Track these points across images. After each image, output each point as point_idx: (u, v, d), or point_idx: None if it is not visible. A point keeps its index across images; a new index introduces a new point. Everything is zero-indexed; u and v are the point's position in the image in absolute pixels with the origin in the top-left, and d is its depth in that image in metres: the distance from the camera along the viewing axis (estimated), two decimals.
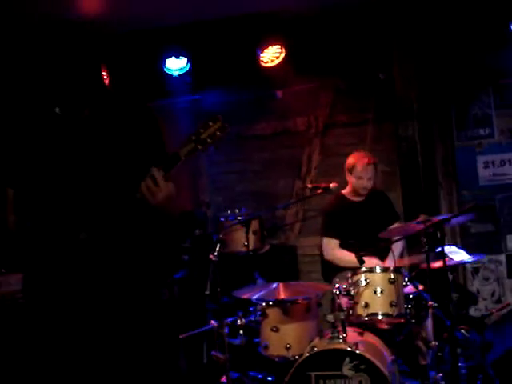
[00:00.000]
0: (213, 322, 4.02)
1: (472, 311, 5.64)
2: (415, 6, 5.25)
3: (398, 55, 5.53)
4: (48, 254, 2.33)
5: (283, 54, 5.48)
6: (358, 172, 4.67)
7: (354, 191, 4.76)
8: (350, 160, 4.76)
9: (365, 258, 3.88)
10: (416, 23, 5.38)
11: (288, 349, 3.80)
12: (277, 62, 5.51)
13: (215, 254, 4.05)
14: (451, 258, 3.94)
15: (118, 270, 2.36)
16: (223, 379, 4.01)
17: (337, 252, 4.65)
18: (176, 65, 5.64)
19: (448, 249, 3.97)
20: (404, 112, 5.59)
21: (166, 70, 5.64)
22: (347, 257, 4.48)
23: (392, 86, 5.60)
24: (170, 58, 5.60)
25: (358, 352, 3.41)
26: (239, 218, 4.55)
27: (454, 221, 4.02)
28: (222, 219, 4.68)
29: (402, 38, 5.49)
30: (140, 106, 2.52)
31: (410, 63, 5.53)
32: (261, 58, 5.51)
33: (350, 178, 4.75)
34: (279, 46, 5.47)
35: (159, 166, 2.30)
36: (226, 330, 3.97)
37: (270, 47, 5.48)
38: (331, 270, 4.68)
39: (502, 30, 5.29)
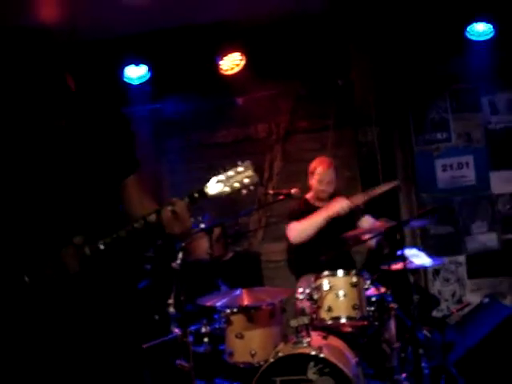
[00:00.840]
0: (176, 330, 3.99)
1: (434, 312, 5.71)
2: (372, 12, 5.34)
3: (356, 61, 5.61)
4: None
5: (243, 62, 5.50)
6: (319, 175, 4.72)
7: (316, 195, 4.80)
8: (312, 164, 4.82)
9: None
10: (373, 29, 5.46)
11: (253, 355, 3.80)
12: (237, 69, 5.53)
13: (178, 262, 4.03)
14: (412, 262, 3.99)
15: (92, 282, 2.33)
16: None
17: (300, 224, 4.60)
18: (136, 73, 5.62)
19: (409, 251, 4.02)
20: (363, 118, 5.67)
21: (125, 78, 5.61)
22: (311, 219, 4.51)
23: (351, 91, 5.67)
24: (130, 67, 5.57)
25: (322, 356, 3.42)
26: (202, 225, 4.53)
27: (415, 224, 4.09)
28: None
29: (359, 44, 5.57)
30: (113, 111, 2.50)
31: (368, 69, 5.61)
32: (220, 66, 5.52)
33: (312, 182, 4.79)
34: (239, 54, 5.49)
35: (185, 199, 2.26)
36: (190, 338, 3.94)
37: (229, 55, 5.49)
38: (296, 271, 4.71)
39: (458, 36, 5.42)
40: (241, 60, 5.51)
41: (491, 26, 5.31)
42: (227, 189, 2.24)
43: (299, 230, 4.59)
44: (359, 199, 4.53)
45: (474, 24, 5.37)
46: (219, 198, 2.25)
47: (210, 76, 5.59)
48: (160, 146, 6.25)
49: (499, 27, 5.29)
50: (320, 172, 4.72)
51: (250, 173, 2.28)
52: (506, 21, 5.22)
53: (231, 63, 5.51)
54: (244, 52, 5.49)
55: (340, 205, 4.42)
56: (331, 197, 4.81)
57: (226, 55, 5.48)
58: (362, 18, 5.37)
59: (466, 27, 5.41)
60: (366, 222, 4.68)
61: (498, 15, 5.25)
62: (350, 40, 5.52)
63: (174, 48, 5.48)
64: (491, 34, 5.36)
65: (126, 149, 2.45)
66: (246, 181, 2.26)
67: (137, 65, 5.58)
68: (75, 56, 5.19)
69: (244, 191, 2.26)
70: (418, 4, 5.27)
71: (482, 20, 5.31)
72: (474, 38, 5.42)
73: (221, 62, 5.50)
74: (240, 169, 2.28)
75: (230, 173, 2.26)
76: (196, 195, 2.27)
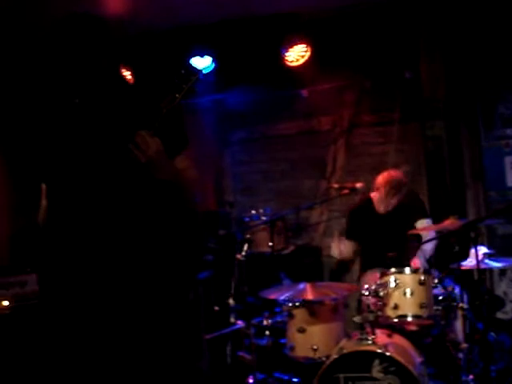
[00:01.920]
0: (239, 322, 4.00)
1: (499, 314, 5.57)
2: (442, 3, 5.19)
3: (425, 54, 5.47)
4: (65, 253, 2.32)
5: (308, 53, 5.44)
6: (382, 193, 4.65)
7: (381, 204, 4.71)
8: (378, 179, 4.70)
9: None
10: (443, 21, 5.33)
11: (314, 350, 3.75)
12: (302, 61, 5.47)
13: (242, 253, 4.03)
14: (484, 261, 3.87)
15: (140, 269, 2.34)
16: (249, 380, 3.98)
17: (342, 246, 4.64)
18: (201, 64, 5.62)
19: (479, 250, 3.90)
20: (430, 111, 5.52)
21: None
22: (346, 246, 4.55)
23: (418, 84, 5.54)
24: (195, 57, 5.59)
25: (387, 354, 3.35)
26: (264, 218, 4.53)
27: (485, 222, 3.97)
28: (247, 219, 4.65)
29: (428, 37, 5.43)
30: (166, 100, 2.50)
31: (437, 62, 5.46)
32: (286, 58, 5.48)
33: (376, 193, 4.71)
34: (304, 46, 5.44)
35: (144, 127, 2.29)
36: (252, 331, 3.94)
37: (295, 46, 5.44)
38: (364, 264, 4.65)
39: None
40: (306, 52, 5.45)
41: None
42: (177, 94, 2.29)
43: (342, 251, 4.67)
44: (427, 229, 4.49)
45: None
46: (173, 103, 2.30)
47: (275, 67, 5.56)
48: (224, 138, 6.28)
49: None
50: (381, 188, 4.63)
51: (190, 70, 2.33)
52: None
53: (296, 55, 5.46)
54: (309, 43, 5.42)
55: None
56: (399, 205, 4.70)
57: (291, 47, 5.44)
58: (432, 8, 5.23)
59: None
60: (421, 224, 4.58)
61: None
62: (419, 31, 5.38)
63: (239, 39, 5.47)
64: None
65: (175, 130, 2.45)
66: (192, 77, 2.31)
67: (202, 56, 5.59)
68: (140, 46, 5.28)
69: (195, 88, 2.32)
70: None
71: None
72: None
73: (286, 54, 5.45)
74: (183, 71, 2.33)
75: (176, 81, 2.31)
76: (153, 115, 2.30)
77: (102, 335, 2.29)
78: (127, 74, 5.51)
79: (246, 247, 4.04)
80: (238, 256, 4.00)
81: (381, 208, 4.70)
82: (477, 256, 3.57)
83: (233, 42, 5.51)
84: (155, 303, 2.37)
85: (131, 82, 5.42)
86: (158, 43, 5.51)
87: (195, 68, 2.41)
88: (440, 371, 3.99)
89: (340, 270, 5.49)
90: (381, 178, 4.69)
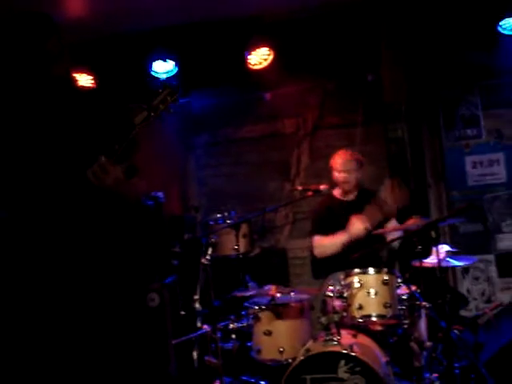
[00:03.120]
0: (205, 326, 3.98)
1: (462, 311, 5.64)
2: (404, 7, 5.25)
3: (387, 57, 5.51)
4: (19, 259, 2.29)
5: (271, 56, 5.45)
6: (337, 165, 4.72)
7: (342, 190, 4.76)
8: (332, 158, 4.82)
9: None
10: (404, 25, 5.38)
11: (281, 352, 3.78)
12: (265, 64, 5.47)
13: (207, 257, 4.01)
14: (446, 260, 3.92)
15: (99, 275, 2.33)
16: None
17: (324, 240, 4.63)
18: (163, 68, 5.59)
19: (441, 248, 3.95)
20: (393, 113, 5.59)
21: (153, 72, 5.59)
22: (334, 239, 4.53)
23: (380, 87, 5.60)
24: (157, 61, 5.55)
25: (353, 354, 3.39)
26: (229, 221, 4.52)
27: (446, 221, 4.03)
28: (212, 223, 4.64)
29: (390, 40, 5.48)
30: (118, 110, 2.50)
31: (399, 65, 5.52)
32: (249, 61, 5.48)
33: (333, 174, 4.76)
34: (267, 49, 5.44)
35: (106, 153, 2.28)
36: (218, 335, 3.93)
37: (257, 49, 5.44)
38: (322, 270, 4.66)
39: (490, 31, 5.31)
40: (269, 55, 5.46)
41: None
42: (153, 112, 2.31)
43: (322, 248, 4.66)
44: (390, 229, 4.54)
45: (508, 18, 5.24)
46: (147, 123, 2.31)
47: (239, 71, 5.54)
48: (188, 142, 6.25)
49: None
50: (337, 161, 4.71)
51: (168, 90, 2.34)
52: None
53: (259, 58, 5.46)
54: (272, 46, 5.43)
55: (357, 228, 4.45)
56: (361, 193, 4.76)
57: (254, 50, 5.44)
58: (393, 12, 5.29)
59: (498, 22, 5.29)
60: (389, 223, 4.66)
61: None
62: (380, 35, 5.43)
63: (201, 42, 5.45)
64: None
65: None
66: (169, 98, 2.32)
67: (164, 60, 5.56)
68: (102, 49, 5.22)
69: (170, 109, 2.33)
70: None
71: None
72: (506, 32, 5.31)
73: (249, 57, 5.45)
74: (160, 90, 2.34)
75: (152, 98, 2.32)
76: (116, 147, 2.30)
77: (66, 340, 2.27)
78: (89, 79, 5.46)
79: (210, 251, 4.03)
80: (203, 260, 3.99)
81: (342, 186, 4.73)
82: (438, 255, 3.62)
83: (196, 46, 5.49)
84: (117, 308, 2.36)
85: (93, 87, 5.37)
86: (120, 47, 5.46)
87: (172, 85, 2.40)
88: (405, 370, 4.03)
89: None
90: (337, 157, 4.77)
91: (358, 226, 4.45)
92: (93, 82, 5.45)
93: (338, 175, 4.72)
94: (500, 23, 5.27)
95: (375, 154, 5.74)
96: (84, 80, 5.44)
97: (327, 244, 4.61)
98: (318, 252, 4.70)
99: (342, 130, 5.88)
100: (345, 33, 5.36)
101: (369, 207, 4.55)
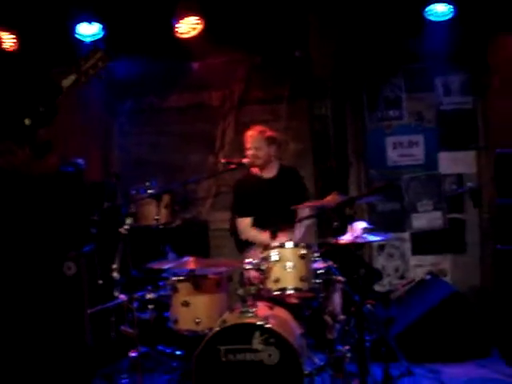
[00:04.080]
0: (122, 296, 3.93)
1: (377, 286, 5.82)
2: None
3: (315, 34, 5.56)
4: None
5: (200, 26, 5.37)
6: (246, 142, 4.67)
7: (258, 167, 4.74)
8: (247, 134, 4.73)
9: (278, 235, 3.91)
10: (334, 4, 5.42)
11: (198, 323, 3.79)
12: (194, 33, 5.40)
13: (125, 227, 3.95)
14: (362, 236, 4.01)
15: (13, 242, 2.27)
16: (132, 353, 3.95)
17: (250, 231, 4.65)
18: (88, 30, 5.42)
19: (358, 226, 4.04)
20: (319, 91, 5.65)
21: (77, 35, 5.41)
22: (259, 236, 4.52)
23: (308, 64, 5.64)
24: (82, 24, 5.37)
25: (267, 326, 3.43)
26: (150, 191, 4.46)
27: (364, 199, 4.12)
28: (133, 192, 4.57)
29: (319, 17, 5.52)
30: (42, 72, 2.41)
31: (326, 42, 5.58)
32: (177, 29, 5.38)
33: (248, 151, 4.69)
34: (197, 18, 5.36)
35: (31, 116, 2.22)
36: (135, 305, 3.90)
37: (186, 18, 5.35)
38: (245, 244, 4.69)
39: (416, 17, 5.41)
40: (198, 24, 5.38)
41: (451, 7, 5.31)
42: (83, 77, 2.27)
43: (250, 236, 4.62)
44: (305, 212, 4.55)
45: (435, 4, 5.35)
46: (75, 87, 2.27)
47: (166, 38, 5.44)
48: (111, 108, 6.11)
49: (459, 8, 5.29)
50: (246, 138, 4.67)
51: (100, 54, 2.30)
52: (466, 2, 5.22)
53: (188, 27, 5.38)
54: (202, 16, 5.35)
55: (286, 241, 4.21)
56: (282, 171, 4.76)
57: (182, 18, 5.34)
58: None
59: (424, 8, 5.40)
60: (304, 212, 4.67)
61: None
62: (310, 11, 5.46)
63: (129, 7, 5.31)
64: (450, 15, 5.36)
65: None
66: (100, 64, 2.29)
67: (89, 22, 5.38)
68: (25, 7, 5.00)
69: (101, 75, 2.30)
70: None
71: (442, 0, 5.30)
72: (432, 18, 5.42)
73: (177, 25, 5.35)
74: (91, 53, 2.30)
75: (82, 62, 2.28)
76: (41, 109, 2.26)
77: None
78: (11, 39, 5.22)
79: (129, 221, 3.96)
80: (121, 230, 3.92)
81: (253, 162, 4.65)
82: (353, 231, 3.71)
83: (123, 10, 5.34)
84: (32, 276, 2.30)
85: (16, 48, 5.14)
86: (44, 7, 5.24)
87: (103, 50, 2.31)
88: (320, 342, 4.13)
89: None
90: (246, 133, 4.72)
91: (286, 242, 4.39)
92: (15, 42, 5.22)
93: (247, 152, 4.67)
94: (426, 9, 5.39)
95: (300, 130, 5.80)
96: (6, 39, 5.20)
97: (252, 236, 4.60)
98: (243, 237, 4.67)
99: (267, 106, 5.90)
100: (275, 7, 5.35)
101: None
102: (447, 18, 5.37)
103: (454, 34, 5.43)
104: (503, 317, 4.93)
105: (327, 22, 5.54)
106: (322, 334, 4.10)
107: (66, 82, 2.22)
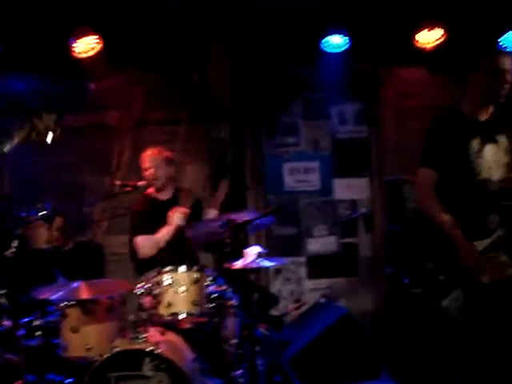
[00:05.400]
0: (6, 322, 3.77)
1: (273, 311, 5.88)
2: (234, 10, 5.36)
3: (215, 58, 5.61)
4: None
5: (100, 46, 5.30)
6: (144, 163, 4.65)
7: (154, 187, 4.70)
8: (141, 156, 4.74)
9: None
10: (235, 29, 5.50)
11: (88, 350, 3.69)
12: (92, 53, 5.31)
13: (11, 250, 3.80)
14: (256, 261, 4.05)
15: None
16: (18, 383, 3.78)
17: (148, 239, 4.54)
18: None
19: (252, 250, 4.09)
20: (217, 114, 5.70)
21: None
22: (157, 236, 4.48)
23: (207, 87, 5.68)
24: None
25: (158, 352, 3.40)
26: (42, 213, 4.33)
27: (259, 223, 4.17)
28: (23, 214, 4.41)
29: (219, 41, 5.58)
30: None
31: (226, 66, 5.64)
32: (74, 48, 5.28)
33: (143, 174, 4.68)
34: (96, 37, 5.28)
35: None
36: (21, 332, 3.74)
37: (84, 37, 5.26)
38: (145, 268, 4.62)
39: (313, 47, 5.59)
40: (97, 44, 5.30)
41: (347, 39, 5.51)
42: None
43: (147, 248, 4.52)
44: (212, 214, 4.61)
45: (332, 36, 5.54)
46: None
47: (65, 57, 5.31)
48: (3, 126, 5.87)
49: (353, 40, 5.51)
50: (144, 159, 4.66)
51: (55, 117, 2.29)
52: (359, 34, 5.44)
53: (86, 46, 5.29)
54: (100, 36, 5.28)
55: (177, 217, 4.46)
56: (177, 192, 4.76)
57: (80, 37, 5.25)
58: (223, 15, 5.38)
59: (321, 39, 5.58)
60: (212, 214, 4.75)
61: (353, 28, 5.45)
62: (210, 35, 5.51)
63: (25, 22, 5.15)
64: (345, 47, 5.57)
65: None
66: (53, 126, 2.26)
67: None
68: None
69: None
70: (279, 11, 5.35)
71: (338, 32, 5.50)
72: (328, 49, 5.61)
73: (74, 44, 5.25)
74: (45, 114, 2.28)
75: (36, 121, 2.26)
76: None
77: None
78: None
79: (15, 243, 3.82)
80: (6, 253, 3.77)
81: (156, 185, 4.65)
82: (246, 256, 3.75)
83: (19, 24, 5.17)
84: None
85: None
86: None
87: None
88: (214, 367, 4.13)
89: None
90: (143, 154, 4.71)
91: (176, 214, 4.46)
92: None
93: (146, 173, 4.63)
94: (322, 41, 5.58)
95: (198, 153, 5.82)
96: None
97: (152, 243, 4.50)
98: (143, 253, 4.54)
99: (165, 127, 5.86)
100: (174, 30, 5.37)
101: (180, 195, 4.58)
102: (342, 49, 5.58)
103: (349, 65, 5.64)
104: (392, 339, 5.13)
105: (228, 48, 5.61)
106: (217, 358, 4.11)
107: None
